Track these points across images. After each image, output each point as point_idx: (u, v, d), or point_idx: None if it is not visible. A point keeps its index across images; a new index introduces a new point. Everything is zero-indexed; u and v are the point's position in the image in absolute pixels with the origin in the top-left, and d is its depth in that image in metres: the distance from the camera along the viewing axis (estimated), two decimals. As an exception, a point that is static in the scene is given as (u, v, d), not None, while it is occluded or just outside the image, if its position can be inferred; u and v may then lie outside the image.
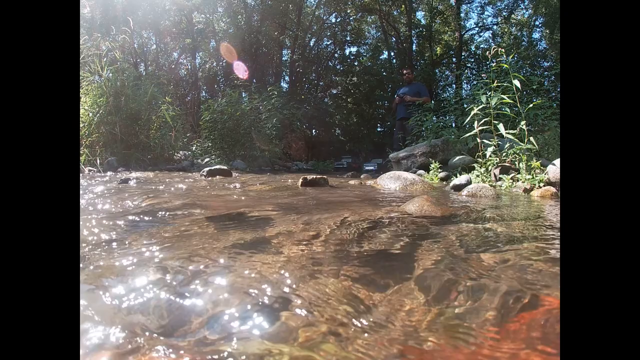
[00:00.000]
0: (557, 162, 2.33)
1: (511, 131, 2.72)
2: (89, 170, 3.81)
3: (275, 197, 1.87)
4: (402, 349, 0.47)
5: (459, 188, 2.43)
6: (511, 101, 2.77)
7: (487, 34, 15.48)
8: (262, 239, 0.96)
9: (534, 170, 2.48)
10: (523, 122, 2.72)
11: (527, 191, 2.30)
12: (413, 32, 14.65)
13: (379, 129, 14.61)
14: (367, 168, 6.93)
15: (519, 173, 2.60)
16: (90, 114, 4.76)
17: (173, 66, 15.31)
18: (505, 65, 2.86)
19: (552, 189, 2.17)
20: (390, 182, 2.66)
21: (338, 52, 16.03)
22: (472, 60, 15.04)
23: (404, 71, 6.73)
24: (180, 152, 6.26)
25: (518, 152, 2.70)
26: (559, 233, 1.03)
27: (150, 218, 1.23)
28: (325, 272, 0.72)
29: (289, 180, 3.09)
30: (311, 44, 15.75)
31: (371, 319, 0.54)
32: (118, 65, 5.24)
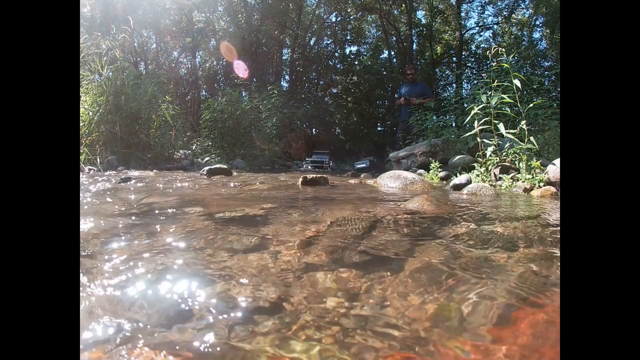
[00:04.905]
0: (557, 162, 2.33)
1: (511, 131, 2.72)
2: (89, 169, 3.81)
3: (276, 196, 1.87)
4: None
5: (459, 187, 2.43)
6: (511, 101, 2.77)
7: (488, 34, 15.42)
8: (262, 237, 0.96)
9: (534, 170, 2.48)
10: (523, 122, 2.71)
11: (527, 191, 2.30)
12: (413, 31, 14.59)
13: (379, 129, 14.56)
14: (358, 166, 6.84)
15: (519, 173, 2.60)
16: (90, 113, 4.75)
17: (173, 65, 15.27)
18: (506, 65, 2.86)
19: (552, 189, 2.17)
20: (390, 181, 2.66)
21: (338, 51, 15.98)
22: (473, 59, 15.00)
23: (408, 71, 6.47)
24: (181, 151, 6.24)
25: (518, 151, 2.70)
26: (559, 232, 1.03)
27: (150, 217, 1.23)
28: (323, 268, 0.72)
29: (289, 179, 3.09)
30: (311, 43, 15.70)
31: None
32: (118, 64, 5.21)
